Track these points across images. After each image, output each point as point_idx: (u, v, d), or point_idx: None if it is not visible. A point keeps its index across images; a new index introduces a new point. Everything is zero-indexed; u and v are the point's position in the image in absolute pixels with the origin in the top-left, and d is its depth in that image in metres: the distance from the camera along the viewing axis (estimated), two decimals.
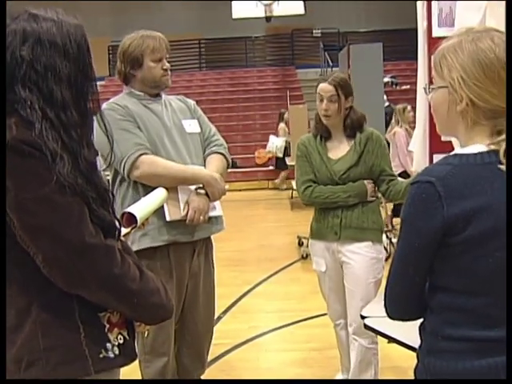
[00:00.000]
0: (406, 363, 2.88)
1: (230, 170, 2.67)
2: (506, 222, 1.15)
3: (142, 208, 1.70)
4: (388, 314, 1.34)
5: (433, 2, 2.35)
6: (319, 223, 2.75)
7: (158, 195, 1.91)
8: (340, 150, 2.74)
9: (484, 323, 1.20)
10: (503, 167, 1.17)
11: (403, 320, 1.35)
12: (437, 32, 2.56)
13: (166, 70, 2.43)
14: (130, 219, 1.63)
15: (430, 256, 1.23)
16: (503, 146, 1.18)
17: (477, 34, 1.22)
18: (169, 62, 2.47)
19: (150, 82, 2.43)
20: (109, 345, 1.31)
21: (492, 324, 1.20)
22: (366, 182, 2.68)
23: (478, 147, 1.21)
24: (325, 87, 2.67)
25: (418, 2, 2.49)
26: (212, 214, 2.43)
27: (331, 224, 2.69)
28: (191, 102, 2.63)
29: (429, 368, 1.26)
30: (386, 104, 8.51)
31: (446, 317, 1.24)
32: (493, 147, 1.19)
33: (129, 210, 1.65)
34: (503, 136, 1.18)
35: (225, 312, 4.40)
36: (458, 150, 1.25)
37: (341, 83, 2.66)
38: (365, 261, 2.66)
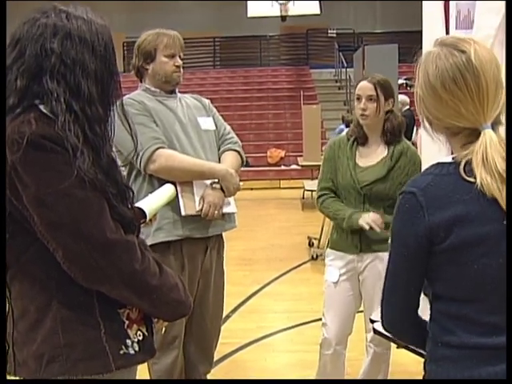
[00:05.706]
0: (415, 368, 2.86)
1: (242, 169, 2.66)
2: (506, 227, 1.14)
3: (150, 204, 1.70)
4: (385, 327, 1.33)
5: (451, 4, 2.31)
6: (338, 235, 2.66)
7: (167, 191, 1.90)
8: (372, 158, 2.60)
9: (481, 330, 1.18)
10: (470, 179, 1.16)
11: (399, 338, 1.36)
12: (455, 34, 2.51)
13: (178, 66, 2.45)
14: (139, 215, 1.61)
15: (419, 265, 1.23)
16: (464, 160, 1.18)
17: (435, 53, 1.23)
18: (183, 59, 2.48)
19: (161, 77, 2.44)
20: (129, 341, 1.30)
21: (490, 331, 1.18)
22: (371, 214, 2.47)
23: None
24: (364, 85, 2.55)
25: (425, 3, 2.44)
26: (226, 210, 2.44)
27: (350, 238, 2.59)
28: (206, 101, 2.65)
29: (430, 375, 1.26)
30: (407, 107, 8.33)
31: (443, 324, 1.24)
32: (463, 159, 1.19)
33: (138, 205, 1.64)
34: (466, 151, 1.18)
35: (233, 311, 4.40)
36: (442, 158, 1.26)
37: (381, 82, 2.55)
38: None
